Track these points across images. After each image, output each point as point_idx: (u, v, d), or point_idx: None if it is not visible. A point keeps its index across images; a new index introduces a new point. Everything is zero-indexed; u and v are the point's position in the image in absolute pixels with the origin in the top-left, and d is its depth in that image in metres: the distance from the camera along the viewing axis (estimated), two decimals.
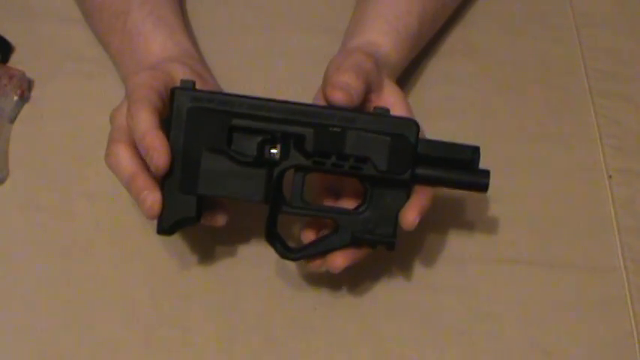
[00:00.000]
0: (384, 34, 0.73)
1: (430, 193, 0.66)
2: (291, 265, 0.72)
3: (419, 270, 0.73)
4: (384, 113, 0.65)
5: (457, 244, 0.74)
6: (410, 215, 0.64)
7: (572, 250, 0.75)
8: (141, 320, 0.70)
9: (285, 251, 0.66)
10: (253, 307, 0.71)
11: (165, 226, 0.64)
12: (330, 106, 0.65)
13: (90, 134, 0.76)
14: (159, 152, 0.62)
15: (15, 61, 0.81)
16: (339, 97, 0.64)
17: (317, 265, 0.67)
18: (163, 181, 0.64)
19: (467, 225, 0.75)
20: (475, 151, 0.65)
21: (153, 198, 0.63)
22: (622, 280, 0.74)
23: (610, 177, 0.79)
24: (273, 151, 0.64)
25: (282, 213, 0.66)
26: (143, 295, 0.71)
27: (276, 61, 0.82)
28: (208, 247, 0.72)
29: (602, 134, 0.81)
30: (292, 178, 0.65)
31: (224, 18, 0.85)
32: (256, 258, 0.72)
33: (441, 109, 0.80)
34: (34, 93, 0.79)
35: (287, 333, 0.70)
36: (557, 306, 0.72)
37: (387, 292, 0.72)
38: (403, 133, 0.64)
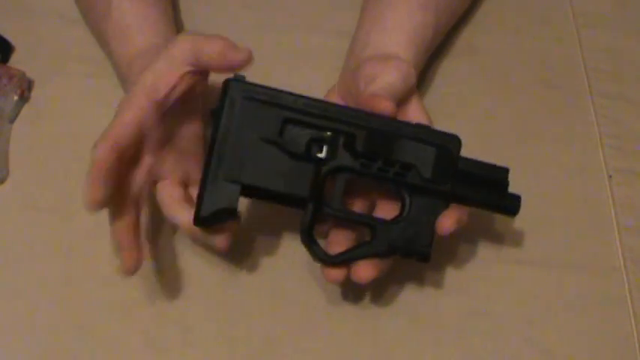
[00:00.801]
0: (407, 48, 0.73)
1: (467, 209, 0.66)
2: (291, 266, 0.72)
3: (419, 270, 0.73)
4: (428, 126, 0.66)
5: (457, 244, 0.74)
6: (447, 222, 0.65)
7: (572, 250, 0.75)
8: (141, 320, 0.70)
9: (323, 255, 0.65)
10: (253, 306, 0.71)
11: (204, 215, 0.63)
12: (376, 115, 0.65)
13: (90, 134, 0.76)
14: (95, 188, 0.63)
15: (15, 61, 0.81)
16: (386, 106, 0.65)
17: (338, 277, 0.66)
18: (206, 168, 0.63)
19: (467, 226, 0.75)
20: (506, 172, 0.67)
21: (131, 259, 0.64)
22: (622, 280, 0.74)
23: (610, 177, 0.79)
24: (324, 147, 0.64)
25: (322, 215, 0.65)
26: (143, 295, 0.71)
27: (277, 61, 0.82)
28: (208, 247, 0.72)
29: (602, 134, 0.81)
30: (334, 182, 0.65)
31: (224, 18, 0.85)
32: (257, 258, 0.72)
33: (441, 109, 0.79)
34: (34, 93, 0.79)
35: (287, 333, 0.70)
36: (557, 306, 0.72)
37: (387, 292, 0.72)
38: (447, 146, 0.65)
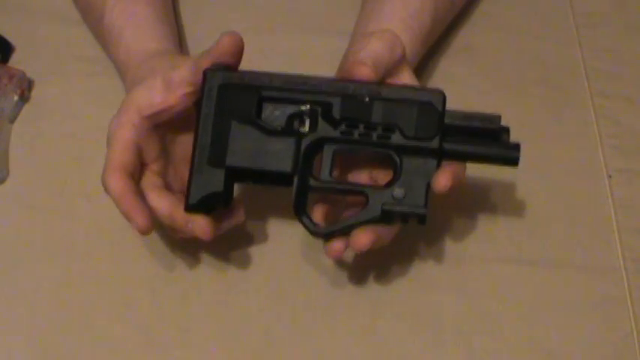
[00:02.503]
0: (402, 33, 0.72)
1: (463, 165, 0.65)
2: (291, 266, 0.72)
3: (419, 270, 0.73)
4: (408, 85, 0.65)
5: (457, 244, 0.74)
6: (442, 179, 0.63)
7: (572, 250, 0.75)
8: (141, 320, 0.70)
9: (315, 227, 0.65)
10: (253, 306, 0.71)
11: (193, 202, 0.64)
12: (357, 80, 0.65)
13: (90, 134, 0.76)
14: (136, 215, 0.64)
15: (15, 61, 0.81)
16: (364, 72, 0.64)
17: (339, 249, 0.65)
18: (193, 158, 0.64)
19: (467, 225, 0.75)
20: (504, 128, 0.65)
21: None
22: (622, 280, 0.74)
23: (610, 177, 0.79)
24: (303, 120, 0.64)
25: (311, 188, 0.65)
26: (143, 295, 0.71)
27: (276, 61, 0.82)
28: (208, 246, 0.72)
29: (602, 134, 0.81)
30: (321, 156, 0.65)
31: (224, 18, 0.85)
32: (257, 258, 0.72)
33: None
34: (34, 93, 0.79)
35: (287, 333, 0.70)
36: (557, 306, 0.72)
37: (387, 292, 0.72)
38: (430, 101, 0.64)
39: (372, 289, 0.72)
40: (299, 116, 0.64)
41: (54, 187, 0.75)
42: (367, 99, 0.64)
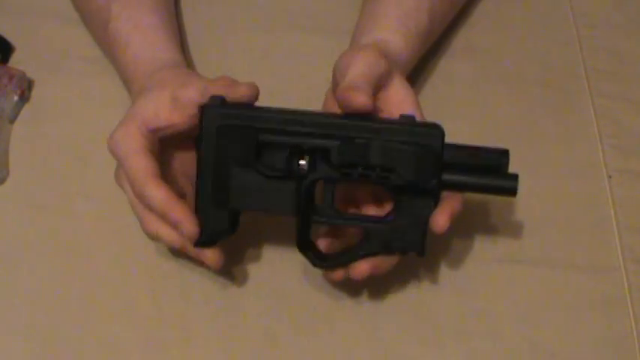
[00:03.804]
0: (395, 31, 0.73)
1: (460, 197, 0.66)
2: (291, 266, 0.72)
3: (419, 270, 0.73)
4: (409, 121, 0.65)
5: (457, 243, 0.74)
6: (441, 220, 0.64)
7: (572, 250, 0.75)
8: (141, 320, 0.70)
9: (318, 260, 0.66)
10: (254, 307, 0.71)
11: (203, 240, 0.65)
12: (355, 117, 0.65)
13: (90, 134, 0.76)
14: (187, 222, 0.63)
15: (15, 61, 0.81)
16: (361, 100, 0.64)
17: (339, 276, 0.67)
18: (197, 198, 0.65)
19: (467, 225, 0.75)
20: (504, 154, 0.65)
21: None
22: (622, 280, 0.74)
23: (610, 177, 0.79)
24: (302, 162, 0.64)
25: (313, 222, 0.66)
26: (143, 295, 0.71)
27: (277, 61, 0.82)
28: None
29: (602, 134, 0.81)
30: (322, 188, 0.66)
31: (224, 18, 0.85)
32: (257, 258, 0.73)
33: (441, 109, 0.79)
34: (34, 93, 0.79)
35: (287, 333, 0.70)
36: (557, 306, 0.72)
37: (387, 292, 0.72)
38: (429, 142, 0.64)
39: (372, 289, 0.72)
40: (298, 153, 0.64)
41: (54, 187, 0.75)
42: (364, 140, 0.64)
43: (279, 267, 0.72)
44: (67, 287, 0.71)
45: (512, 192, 0.65)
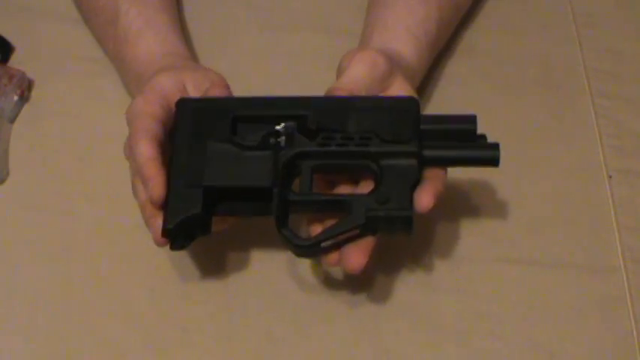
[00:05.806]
0: (407, 42, 0.73)
1: (443, 176, 0.65)
2: (291, 265, 0.72)
3: (419, 270, 0.73)
4: (381, 96, 0.66)
5: (457, 244, 0.74)
6: (424, 197, 0.63)
7: (572, 250, 0.75)
8: (141, 320, 0.70)
9: (297, 239, 0.63)
10: (253, 307, 0.71)
11: (170, 226, 0.63)
12: (330, 96, 0.65)
13: (90, 134, 0.76)
14: (154, 182, 0.62)
15: (15, 61, 0.81)
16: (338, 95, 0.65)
17: (333, 260, 0.64)
18: (168, 182, 0.63)
19: (467, 225, 0.75)
20: (471, 119, 0.65)
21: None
22: (622, 280, 0.74)
23: (610, 177, 0.79)
24: (278, 127, 0.64)
25: (291, 202, 0.64)
26: (143, 295, 0.71)
27: (276, 61, 0.82)
28: (208, 247, 0.72)
29: (602, 134, 0.81)
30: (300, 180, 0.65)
31: (224, 18, 0.85)
32: (256, 258, 0.72)
33: (441, 109, 0.79)
34: (34, 93, 0.79)
35: (287, 333, 0.70)
36: (557, 306, 0.72)
37: (387, 292, 0.72)
38: (405, 106, 0.64)
39: (372, 289, 0.72)
40: (275, 135, 0.64)
41: (54, 187, 0.75)
42: (342, 109, 0.64)
43: (279, 267, 0.72)
44: (67, 287, 0.71)
45: (494, 162, 0.65)
